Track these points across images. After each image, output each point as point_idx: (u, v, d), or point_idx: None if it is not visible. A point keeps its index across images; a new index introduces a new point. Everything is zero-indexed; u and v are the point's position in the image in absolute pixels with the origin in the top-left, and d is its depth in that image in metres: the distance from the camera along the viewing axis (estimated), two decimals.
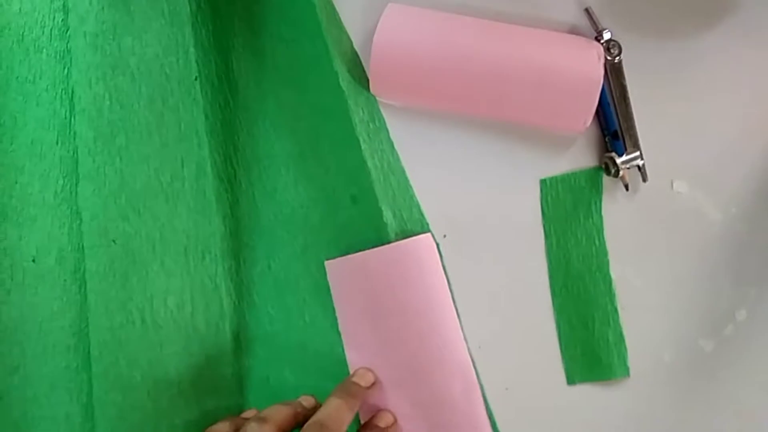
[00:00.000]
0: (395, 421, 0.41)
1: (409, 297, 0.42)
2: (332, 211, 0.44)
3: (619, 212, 0.43)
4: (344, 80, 0.43)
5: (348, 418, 0.38)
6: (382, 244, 0.42)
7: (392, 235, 0.42)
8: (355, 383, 0.41)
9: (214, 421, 0.40)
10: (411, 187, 0.44)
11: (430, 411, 0.41)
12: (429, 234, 0.43)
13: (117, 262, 0.40)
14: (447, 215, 0.44)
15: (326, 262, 0.43)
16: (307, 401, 0.41)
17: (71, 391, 0.41)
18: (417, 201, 0.44)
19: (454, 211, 0.44)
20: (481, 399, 0.42)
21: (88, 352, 0.41)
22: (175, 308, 0.42)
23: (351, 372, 0.43)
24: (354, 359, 0.43)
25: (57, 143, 0.43)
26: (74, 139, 0.43)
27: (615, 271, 0.42)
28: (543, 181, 0.43)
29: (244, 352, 0.44)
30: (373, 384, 0.42)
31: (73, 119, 0.43)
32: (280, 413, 0.38)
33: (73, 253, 0.42)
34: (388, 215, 0.42)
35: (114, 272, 0.40)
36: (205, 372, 0.43)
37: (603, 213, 0.42)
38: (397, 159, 0.45)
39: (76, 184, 0.42)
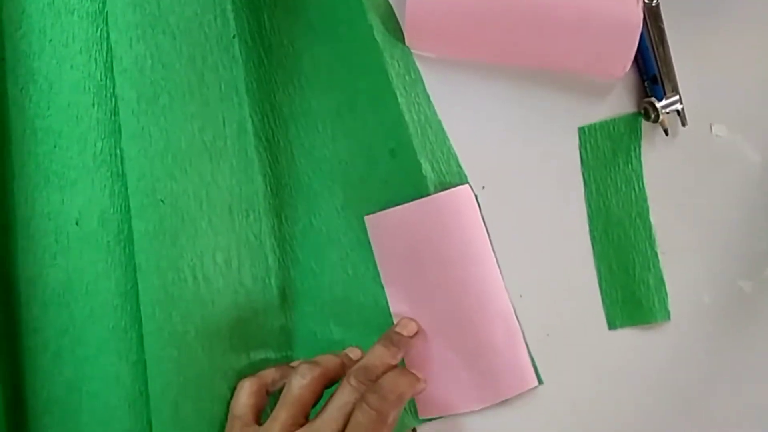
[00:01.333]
0: (418, 330, 0.42)
1: (450, 248, 0.42)
2: (371, 165, 0.44)
3: (658, 157, 0.43)
4: (379, 33, 0.43)
5: (391, 367, 0.39)
6: (421, 197, 0.43)
7: (431, 188, 0.43)
8: (398, 333, 0.42)
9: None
10: (448, 139, 0.45)
11: (473, 358, 0.42)
12: (467, 185, 0.43)
13: (166, 220, 0.41)
14: (485, 166, 0.44)
15: (366, 218, 0.44)
16: (353, 353, 0.42)
17: (120, 350, 0.42)
18: (455, 153, 0.45)
19: (492, 161, 0.44)
20: (524, 345, 0.43)
21: (136, 311, 0.41)
22: (224, 264, 0.42)
23: (395, 323, 0.43)
24: (398, 311, 0.44)
25: (93, 105, 0.43)
26: (111, 100, 0.42)
27: (655, 216, 0.43)
28: (581, 129, 0.44)
29: (290, 306, 0.45)
30: (416, 333, 0.43)
31: (108, 81, 0.43)
32: (329, 360, 0.40)
33: (115, 215, 0.42)
34: (426, 168, 0.43)
35: (164, 231, 0.41)
36: (254, 326, 0.43)
37: (642, 159, 0.43)
38: (434, 112, 0.45)
39: (115, 146, 0.42)
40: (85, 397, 0.42)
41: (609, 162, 0.43)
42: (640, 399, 0.43)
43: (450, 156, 0.44)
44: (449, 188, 0.43)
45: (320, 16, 0.45)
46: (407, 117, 0.43)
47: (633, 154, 0.43)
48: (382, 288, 0.44)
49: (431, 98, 0.45)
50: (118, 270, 0.42)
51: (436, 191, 0.43)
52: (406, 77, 0.44)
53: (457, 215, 0.43)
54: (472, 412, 0.43)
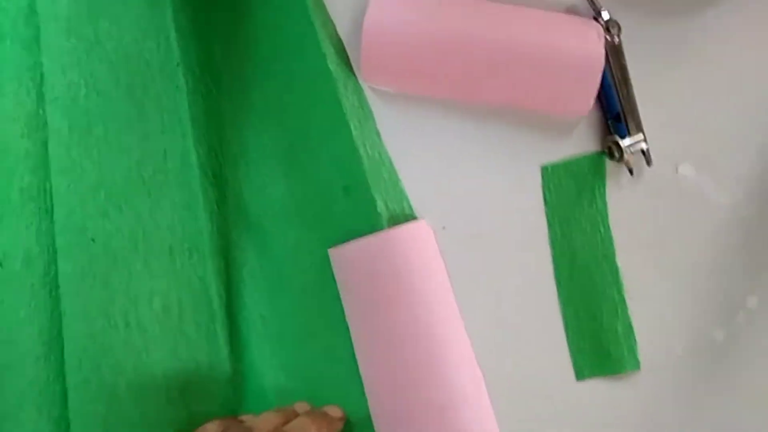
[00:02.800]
0: (344, 419, 0.40)
1: (415, 284, 0.40)
2: (324, 204, 0.42)
3: (623, 198, 0.41)
4: (332, 63, 0.41)
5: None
6: None
7: (386, 225, 0.40)
8: (325, 414, 0.39)
9: None
10: (400, 180, 0.43)
11: (442, 410, 0.39)
12: (424, 221, 0.41)
13: (96, 262, 0.37)
14: (445, 206, 0.42)
15: (330, 250, 0.41)
16: (301, 407, 0.39)
17: (40, 405, 0.38)
18: (406, 194, 0.42)
19: (452, 202, 0.42)
20: (487, 395, 0.40)
21: (61, 362, 0.38)
22: (161, 310, 0.39)
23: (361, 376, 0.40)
24: (363, 353, 0.40)
25: (22, 136, 0.40)
26: (43, 131, 0.40)
27: (621, 260, 0.41)
28: (544, 168, 0.42)
29: (238, 356, 0.42)
30: (342, 418, 0.40)
31: (40, 110, 0.40)
32: (269, 423, 0.36)
33: (42, 256, 0.39)
34: (381, 206, 0.40)
35: (93, 273, 0.37)
36: (196, 378, 0.40)
37: (607, 199, 0.41)
38: (386, 150, 0.43)
39: (45, 180, 0.39)
40: None
41: (573, 202, 0.41)
42: None
43: (402, 197, 0.42)
44: None
45: (272, 46, 0.43)
46: (361, 151, 0.41)
47: (597, 193, 0.41)
48: (336, 336, 0.41)
49: (386, 136, 0.43)
50: (43, 316, 0.39)
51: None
52: (360, 111, 0.42)
53: (418, 250, 0.40)
54: None
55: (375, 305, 0.39)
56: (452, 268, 0.41)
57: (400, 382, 0.39)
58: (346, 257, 0.40)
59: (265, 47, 0.43)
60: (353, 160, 0.40)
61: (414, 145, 0.43)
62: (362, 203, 0.41)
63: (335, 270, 0.41)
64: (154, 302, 0.39)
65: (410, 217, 0.42)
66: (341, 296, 0.41)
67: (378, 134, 0.43)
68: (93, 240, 0.37)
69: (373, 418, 0.40)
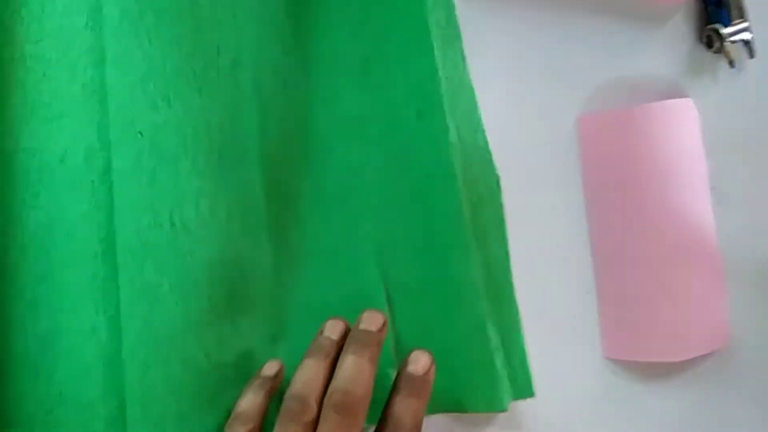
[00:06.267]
0: (432, 364, 0.36)
1: (667, 164, 0.38)
2: (394, 124, 0.40)
3: (721, 94, 0.37)
4: None
5: (371, 372, 0.34)
6: (445, 167, 0.38)
7: (453, 155, 0.38)
8: (365, 331, 0.36)
9: (246, 341, 0.37)
10: (478, 108, 0.39)
11: (673, 303, 0.38)
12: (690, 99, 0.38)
13: (144, 156, 0.36)
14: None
15: (579, 118, 0.40)
16: (333, 329, 0.36)
17: (97, 302, 0.38)
18: (482, 125, 0.39)
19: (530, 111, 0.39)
20: (726, 295, 0.39)
21: (115, 260, 0.37)
22: (208, 213, 0.37)
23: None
24: (596, 230, 0.40)
25: (86, 29, 0.39)
26: (103, 23, 0.38)
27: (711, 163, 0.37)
28: None
29: (285, 267, 0.40)
30: (384, 324, 0.36)
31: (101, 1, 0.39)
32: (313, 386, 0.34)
33: (102, 152, 0.38)
34: (453, 134, 0.38)
35: (141, 168, 0.36)
36: (240, 288, 0.38)
37: (702, 95, 0.37)
38: (468, 75, 0.39)
39: (105, 75, 0.38)
40: (59, 353, 0.38)
41: None
42: None
43: (478, 127, 0.39)
44: (471, 162, 0.39)
45: None
46: (441, 74, 0.38)
47: None
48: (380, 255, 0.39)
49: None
50: (102, 213, 0.38)
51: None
52: (446, 30, 0.39)
53: (678, 128, 0.38)
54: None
55: (620, 182, 0.39)
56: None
57: (636, 266, 0.38)
58: (596, 125, 0.39)
59: None
60: (431, 84, 0.38)
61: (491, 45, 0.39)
62: (434, 129, 0.38)
63: (582, 137, 0.39)
64: (201, 203, 0.37)
65: (483, 150, 0.39)
66: (581, 168, 0.40)
67: (464, 57, 0.39)
68: (141, 133, 0.36)
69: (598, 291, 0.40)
